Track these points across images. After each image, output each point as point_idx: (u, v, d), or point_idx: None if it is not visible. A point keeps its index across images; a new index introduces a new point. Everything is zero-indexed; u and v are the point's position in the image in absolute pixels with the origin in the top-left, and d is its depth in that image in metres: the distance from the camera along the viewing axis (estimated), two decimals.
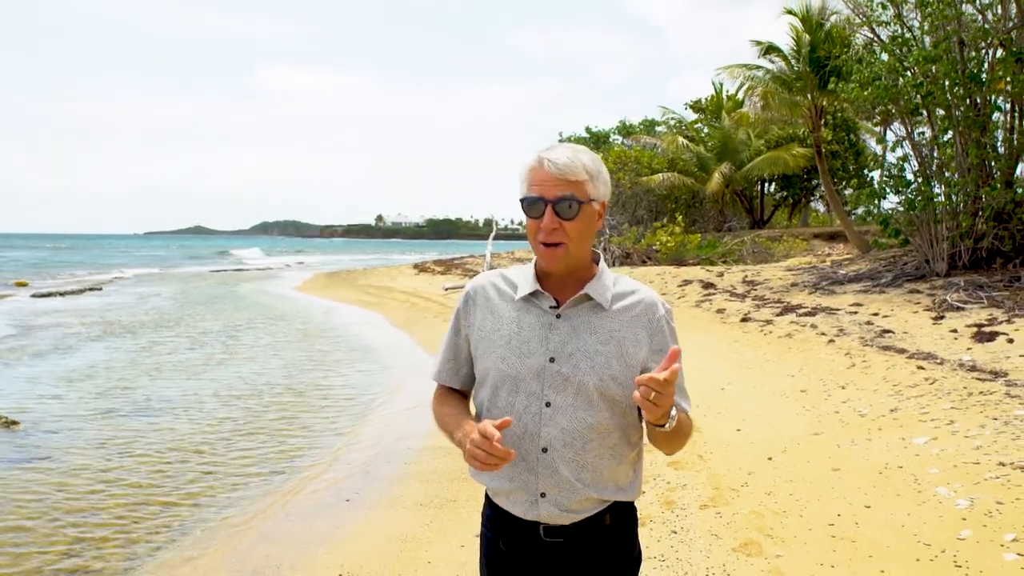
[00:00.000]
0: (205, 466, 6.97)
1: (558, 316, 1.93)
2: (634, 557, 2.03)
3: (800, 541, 4.31)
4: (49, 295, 25.27)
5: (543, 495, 1.91)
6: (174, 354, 13.26)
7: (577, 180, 1.85)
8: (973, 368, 7.47)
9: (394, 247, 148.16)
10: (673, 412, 1.78)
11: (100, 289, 28.50)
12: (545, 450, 1.89)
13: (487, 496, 2.06)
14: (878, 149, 27.40)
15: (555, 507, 1.91)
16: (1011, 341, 8.19)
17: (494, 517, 2.03)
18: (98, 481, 6.52)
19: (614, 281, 1.99)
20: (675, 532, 4.59)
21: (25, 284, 32.14)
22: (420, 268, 32.48)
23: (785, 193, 35.06)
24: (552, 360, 1.90)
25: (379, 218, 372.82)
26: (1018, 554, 3.83)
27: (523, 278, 1.99)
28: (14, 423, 8.17)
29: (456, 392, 2.11)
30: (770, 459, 5.78)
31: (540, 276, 1.98)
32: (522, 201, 1.90)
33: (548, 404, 1.89)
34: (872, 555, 4.02)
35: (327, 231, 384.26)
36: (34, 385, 10.34)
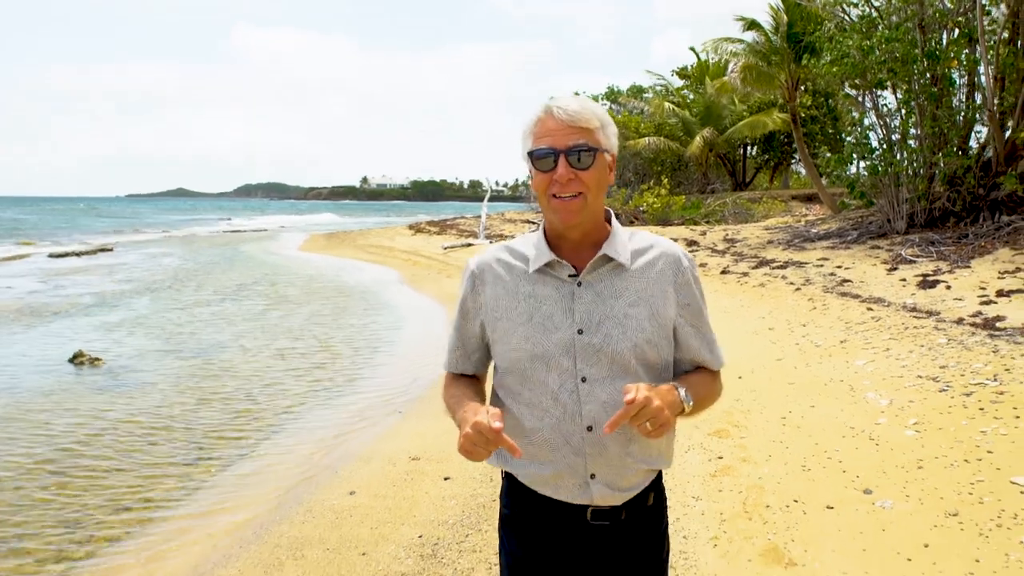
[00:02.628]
0: (271, 392, 8.33)
1: (579, 284, 1.80)
2: (664, 532, 1.97)
3: (759, 429, 5.73)
4: (65, 255, 26.44)
5: (593, 476, 1.80)
6: (212, 306, 14.63)
7: (589, 127, 1.74)
8: (913, 309, 8.91)
9: (381, 209, 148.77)
10: (683, 394, 1.73)
11: (111, 250, 29.66)
12: (590, 428, 1.77)
13: (509, 476, 1.93)
14: (855, 113, 28.68)
15: (607, 487, 1.80)
16: (948, 288, 9.63)
17: (519, 498, 1.91)
18: (189, 401, 7.88)
19: (629, 236, 1.87)
20: None
21: (31, 243, 33.17)
22: (416, 229, 33.70)
23: (767, 156, 36.47)
24: (581, 332, 1.77)
25: (364, 180, 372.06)
26: (916, 431, 5.25)
27: (533, 248, 1.86)
28: (97, 360, 9.50)
29: (467, 377, 2.00)
30: (740, 377, 7.19)
31: (552, 244, 1.84)
32: (530, 155, 1.76)
33: (584, 379, 1.77)
34: (811, 435, 5.45)
35: (312, 193, 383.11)
36: (100, 332, 11.65)
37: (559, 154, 1.72)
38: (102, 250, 29.19)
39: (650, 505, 1.89)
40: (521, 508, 1.90)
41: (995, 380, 6.00)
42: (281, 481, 5.65)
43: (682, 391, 1.74)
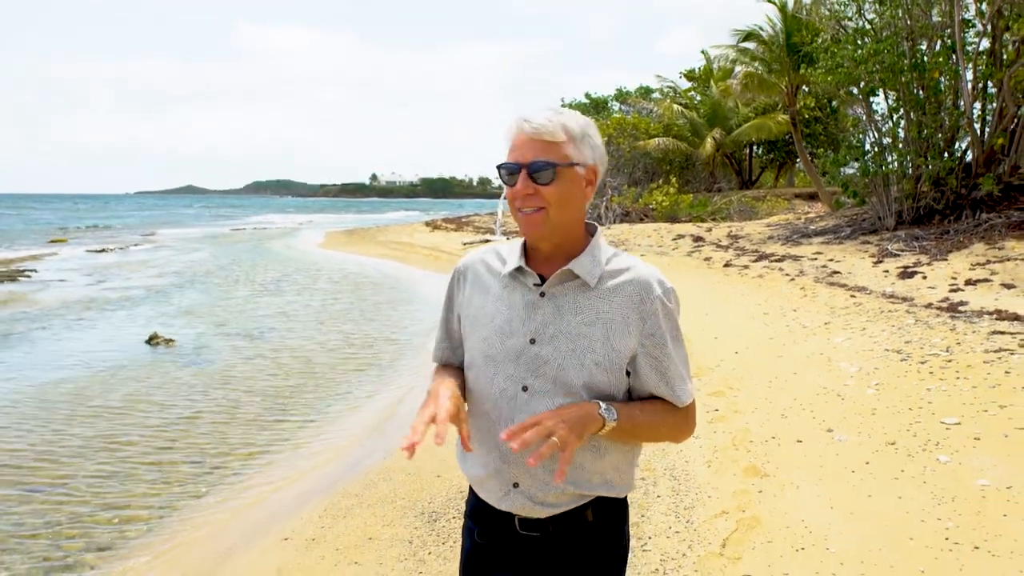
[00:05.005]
0: (331, 367, 9.59)
1: (542, 294, 1.82)
2: (619, 555, 1.92)
3: (749, 390, 6.95)
4: (102, 251, 27.83)
5: (515, 485, 1.82)
6: (258, 296, 15.97)
7: (554, 141, 1.73)
8: (891, 296, 10.11)
9: (393, 206, 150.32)
10: (602, 408, 1.72)
11: (142, 245, 31.07)
12: None
13: (471, 485, 1.98)
14: (852, 111, 29.81)
15: (528, 499, 1.82)
16: (924, 278, 10.83)
17: (476, 506, 1.96)
18: (259, 374, 9.15)
19: (608, 258, 1.85)
20: None
21: (64, 240, 34.51)
22: (433, 226, 34.96)
23: (771, 156, 37.65)
24: (533, 341, 1.79)
25: (374, 177, 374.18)
26: (875, 390, 6.46)
27: (512, 253, 1.89)
28: (171, 341, 10.78)
29: (454, 367, 2.01)
30: (736, 353, 8.41)
31: (528, 251, 1.88)
32: (499, 168, 1.79)
33: (525, 388, 1.79)
34: (791, 394, 6.66)
35: (321, 190, 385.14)
36: (163, 319, 12.94)
37: (521, 168, 1.74)
38: (134, 246, 30.58)
39: (590, 522, 1.85)
40: (472, 514, 1.97)
41: (947, 351, 7.22)
42: (358, 433, 6.91)
43: (603, 406, 1.72)
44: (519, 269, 1.85)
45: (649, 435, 1.86)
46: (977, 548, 3.73)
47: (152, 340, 10.73)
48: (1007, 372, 6.35)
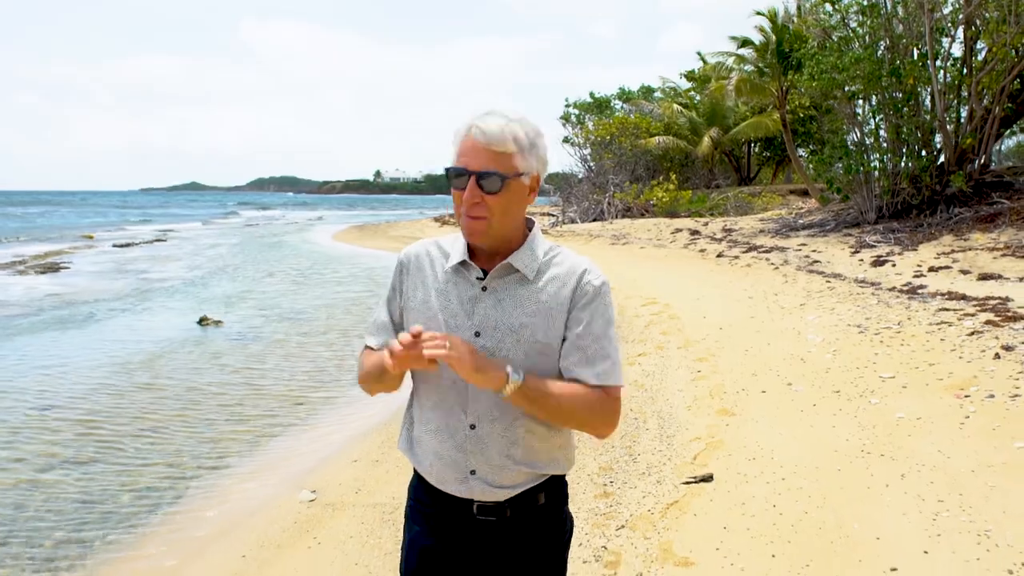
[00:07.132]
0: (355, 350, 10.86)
1: (484, 288, 1.88)
2: (565, 536, 2.03)
3: (728, 357, 8.20)
4: (128, 245, 29.15)
5: (473, 472, 1.89)
6: (285, 285, 17.29)
7: (505, 152, 1.77)
8: (862, 281, 11.35)
9: (400, 203, 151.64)
10: (513, 376, 1.75)
11: (165, 240, 32.41)
12: (473, 426, 1.87)
13: (416, 471, 2.01)
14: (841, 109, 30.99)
15: (486, 484, 1.89)
16: (894, 265, 12.08)
17: (423, 490, 2.00)
18: (296, 351, 10.43)
19: (546, 251, 1.92)
20: (662, 357, 8.50)
21: (92, 236, 35.78)
22: (442, 221, 36.23)
23: (768, 153, 38.90)
24: (478, 334, 1.85)
25: (377, 174, 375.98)
26: (832, 355, 7.70)
27: (455, 247, 1.94)
28: (219, 321, 12.06)
29: None
30: (721, 329, 9.66)
31: (471, 245, 1.91)
32: (447, 171, 1.82)
33: None
34: (763, 359, 7.91)
35: (326, 187, 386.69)
36: (206, 305, 14.22)
37: (470, 175, 1.78)
38: (158, 240, 31.92)
39: (541, 504, 1.95)
40: (422, 500, 2.00)
41: (898, 325, 8.47)
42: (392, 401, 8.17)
43: (511, 367, 1.77)
44: (463, 263, 1.90)
45: (560, 410, 1.84)
46: (883, 455, 4.99)
47: (202, 321, 12.01)
48: (942, 340, 7.61)
